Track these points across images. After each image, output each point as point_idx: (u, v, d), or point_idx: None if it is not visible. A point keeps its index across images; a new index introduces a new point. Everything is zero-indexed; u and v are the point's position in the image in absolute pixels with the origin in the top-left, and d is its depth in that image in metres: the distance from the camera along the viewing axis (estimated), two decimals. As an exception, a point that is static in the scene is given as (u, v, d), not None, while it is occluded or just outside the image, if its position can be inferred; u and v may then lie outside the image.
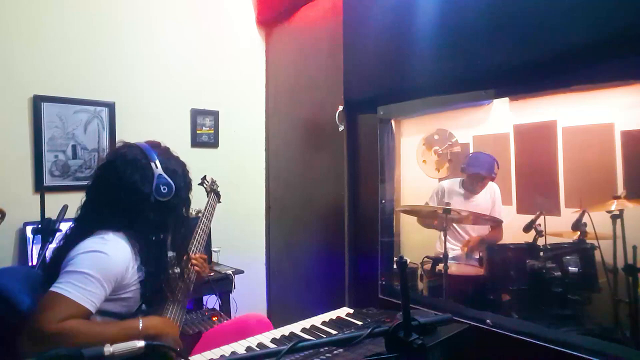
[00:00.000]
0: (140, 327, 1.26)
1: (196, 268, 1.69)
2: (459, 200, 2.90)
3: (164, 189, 1.38)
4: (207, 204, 2.02)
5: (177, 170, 1.47)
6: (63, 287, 1.19)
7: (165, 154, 1.48)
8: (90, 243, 1.28)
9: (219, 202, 2.15)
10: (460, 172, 2.96)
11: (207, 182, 2.21)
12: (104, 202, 1.38)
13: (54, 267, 1.31)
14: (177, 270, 1.57)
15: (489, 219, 2.82)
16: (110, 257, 1.27)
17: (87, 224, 1.36)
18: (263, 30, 3.36)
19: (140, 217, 1.38)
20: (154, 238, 1.43)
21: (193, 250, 1.75)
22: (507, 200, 3.09)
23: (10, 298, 1.31)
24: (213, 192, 2.12)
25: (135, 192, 1.36)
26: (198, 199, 1.94)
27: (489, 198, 2.96)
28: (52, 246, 1.51)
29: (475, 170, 2.85)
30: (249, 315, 1.70)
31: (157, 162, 1.40)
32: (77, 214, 1.44)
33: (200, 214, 1.97)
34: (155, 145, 1.48)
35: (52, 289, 1.19)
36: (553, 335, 1.67)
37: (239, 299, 2.80)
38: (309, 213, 2.95)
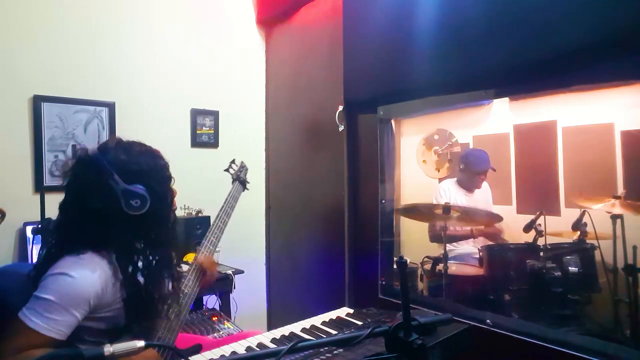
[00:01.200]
0: None
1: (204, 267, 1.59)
2: (461, 199, 2.91)
3: (136, 202, 1.21)
4: (229, 194, 1.83)
5: (143, 168, 1.28)
6: (28, 315, 1.11)
7: (122, 152, 1.28)
8: (64, 263, 1.18)
9: (246, 189, 1.96)
10: (461, 172, 2.97)
11: (235, 166, 2.01)
12: (77, 221, 1.24)
13: (38, 276, 1.21)
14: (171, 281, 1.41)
15: (491, 215, 2.82)
16: (77, 280, 1.15)
17: (67, 238, 1.24)
18: (263, 30, 3.36)
19: (115, 235, 1.24)
20: (137, 251, 1.29)
21: (207, 245, 1.64)
22: (507, 200, 3.09)
23: (7, 301, 1.27)
24: (238, 180, 1.94)
25: (104, 217, 1.22)
26: (224, 188, 1.86)
27: (484, 196, 2.99)
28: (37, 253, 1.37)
29: (484, 166, 2.88)
30: (249, 333, 1.66)
31: (115, 175, 1.21)
32: (55, 223, 1.30)
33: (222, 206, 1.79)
34: (107, 149, 1.28)
35: (19, 314, 1.12)
36: (553, 335, 1.67)
37: (239, 299, 2.80)
38: (309, 213, 2.95)
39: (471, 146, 3.34)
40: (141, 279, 1.28)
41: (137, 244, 1.30)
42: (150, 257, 1.31)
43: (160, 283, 1.34)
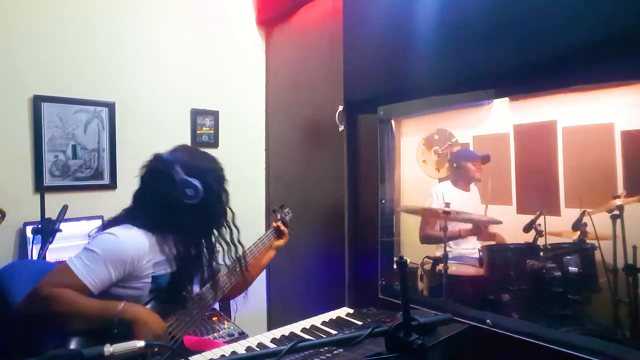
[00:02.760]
0: (118, 309, 1.27)
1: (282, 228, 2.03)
2: (459, 199, 2.92)
3: (190, 191, 1.41)
4: (265, 234, 2.05)
5: (202, 166, 1.50)
6: (74, 260, 1.30)
7: (187, 153, 1.52)
8: (114, 227, 1.39)
9: (283, 237, 2.12)
10: (457, 169, 2.99)
11: (283, 212, 2.21)
12: (143, 204, 1.48)
13: None
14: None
15: (487, 221, 2.84)
16: (121, 241, 1.34)
17: (126, 216, 1.47)
18: (263, 30, 3.36)
19: (171, 220, 1.43)
20: (190, 241, 1.47)
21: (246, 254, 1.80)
22: (507, 200, 3.09)
23: (8, 298, 1.35)
24: (278, 227, 2.11)
25: (162, 200, 1.43)
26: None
27: (477, 198, 3.01)
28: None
29: (475, 154, 2.91)
30: None
31: (177, 166, 1.43)
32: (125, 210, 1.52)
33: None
34: (176, 149, 1.53)
35: (67, 259, 1.31)
36: (553, 335, 1.67)
37: (239, 299, 2.78)
38: (309, 213, 2.95)
39: (471, 146, 3.35)
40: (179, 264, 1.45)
41: (190, 233, 1.47)
42: (196, 247, 1.49)
43: (194, 272, 1.51)
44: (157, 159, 1.50)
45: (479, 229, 2.87)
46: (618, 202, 2.18)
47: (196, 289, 1.58)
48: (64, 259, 1.82)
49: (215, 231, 1.56)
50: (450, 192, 2.96)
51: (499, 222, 2.84)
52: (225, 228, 1.59)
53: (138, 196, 1.51)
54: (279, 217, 2.17)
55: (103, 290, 1.33)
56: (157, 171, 1.47)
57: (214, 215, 1.53)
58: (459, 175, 2.99)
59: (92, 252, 1.31)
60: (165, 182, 1.42)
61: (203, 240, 1.52)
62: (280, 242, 2.09)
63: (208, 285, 1.61)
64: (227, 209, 1.59)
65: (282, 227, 2.10)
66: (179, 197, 1.41)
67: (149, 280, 1.41)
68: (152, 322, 1.31)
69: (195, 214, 1.45)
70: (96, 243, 1.34)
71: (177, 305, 1.48)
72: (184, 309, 1.49)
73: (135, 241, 1.37)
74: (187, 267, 1.47)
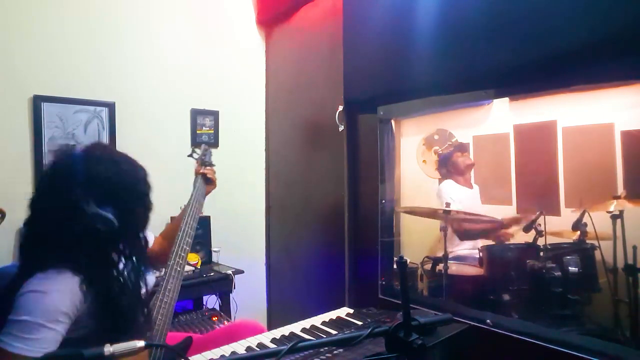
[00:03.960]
0: None
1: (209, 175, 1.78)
2: (465, 195, 2.93)
3: (101, 226, 1.18)
4: (194, 190, 1.79)
5: (118, 187, 1.23)
6: (6, 340, 1.06)
7: (93, 170, 1.21)
8: (32, 280, 1.13)
9: (213, 183, 1.89)
10: (451, 170, 3.01)
11: (197, 152, 1.96)
12: (42, 239, 1.20)
13: (4, 302, 1.14)
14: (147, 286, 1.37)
15: (487, 220, 2.83)
16: (48, 295, 1.11)
17: (31, 256, 1.20)
18: (263, 30, 3.36)
19: (86, 252, 1.19)
20: (108, 267, 1.25)
21: (180, 245, 1.59)
22: (507, 200, 3.09)
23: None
24: (204, 164, 1.90)
25: (71, 236, 1.17)
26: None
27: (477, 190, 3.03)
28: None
29: (451, 150, 2.98)
30: (242, 321, 1.68)
31: (89, 200, 1.16)
32: (19, 247, 1.26)
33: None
34: (75, 159, 1.23)
35: None
36: (553, 335, 1.67)
37: (239, 299, 2.80)
38: (309, 213, 2.95)
39: (471, 146, 3.35)
40: (115, 290, 1.22)
41: (109, 256, 1.25)
42: (123, 268, 1.27)
43: (135, 293, 1.29)
44: (58, 177, 1.21)
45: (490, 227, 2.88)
46: (614, 204, 2.17)
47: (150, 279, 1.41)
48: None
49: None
50: (456, 190, 2.97)
51: (500, 223, 2.84)
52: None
53: (35, 226, 1.23)
54: (198, 161, 1.93)
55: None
56: (54, 209, 1.18)
57: (134, 233, 1.30)
58: (454, 174, 3.02)
59: (23, 322, 1.07)
60: (71, 216, 1.16)
61: (130, 254, 1.29)
62: (211, 188, 1.87)
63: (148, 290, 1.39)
64: (146, 222, 1.34)
65: (207, 171, 1.84)
66: (91, 233, 1.17)
67: (94, 322, 1.19)
68: None
69: (114, 238, 1.23)
70: (22, 309, 1.08)
71: (139, 324, 1.30)
72: (147, 324, 1.33)
73: (64, 287, 1.13)
74: (126, 288, 1.25)
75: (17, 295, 1.12)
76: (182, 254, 1.57)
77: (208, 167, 1.87)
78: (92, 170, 1.21)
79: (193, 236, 1.63)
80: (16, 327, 1.07)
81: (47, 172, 1.28)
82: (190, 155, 1.97)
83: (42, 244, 1.19)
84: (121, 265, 1.27)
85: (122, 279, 1.25)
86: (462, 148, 3.04)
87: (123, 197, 1.23)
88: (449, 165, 3.02)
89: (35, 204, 1.23)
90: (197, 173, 1.86)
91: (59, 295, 1.12)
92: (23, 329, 1.07)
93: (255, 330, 1.57)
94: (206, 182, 1.84)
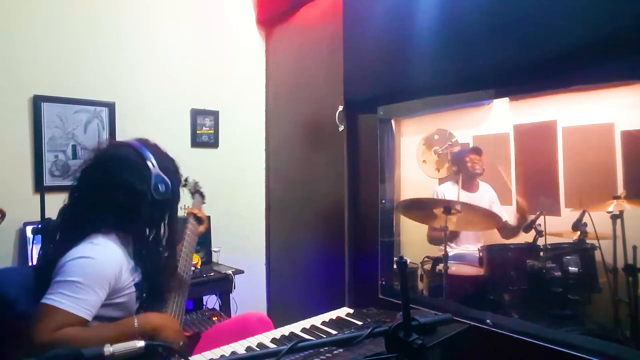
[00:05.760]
0: (135, 325, 1.23)
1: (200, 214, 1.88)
2: (463, 198, 2.91)
3: (162, 187, 1.37)
4: (186, 237, 1.85)
5: (170, 166, 1.46)
6: (54, 298, 1.15)
7: (157, 151, 1.46)
8: (79, 249, 1.24)
9: (204, 202, 2.09)
10: (457, 170, 2.98)
11: (190, 183, 2.10)
12: (93, 204, 1.32)
13: (42, 275, 1.26)
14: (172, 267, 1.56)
15: (490, 215, 2.82)
16: (98, 261, 1.23)
17: (75, 229, 1.30)
18: (263, 30, 3.36)
19: (136, 217, 1.35)
20: (150, 237, 1.43)
21: (185, 251, 1.72)
22: (507, 200, 3.09)
23: (6, 299, 1.32)
24: (197, 192, 2.07)
25: (132, 193, 1.33)
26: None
27: (487, 198, 2.98)
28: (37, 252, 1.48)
29: (467, 148, 2.91)
30: (250, 313, 1.70)
31: (153, 160, 1.38)
32: (61, 217, 1.36)
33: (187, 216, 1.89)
34: (147, 143, 1.46)
35: (43, 300, 1.15)
36: (553, 335, 1.67)
37: (239, 299, 2.80)
38: (309, 213, 2.95)
39: (471, 146, 3.35)
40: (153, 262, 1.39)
41: (152, 229, 1.43)
42: (159, 243, 1.45)
43: (167, 269, 1.48)
44: (125, 146, 1.41)
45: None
46: (614, 204, 2.17)
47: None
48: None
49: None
50: (452, 192, 2.96)
51: (500, 220, 2.83)
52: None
53: (90, 193, 1.35)
54: (190, 189, 2.06)
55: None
56: (127, 161, 1.36)
57: (172, 210, 1.48)
58: (461, 174, 2.99)
59: (74, 283, 1.17)
60: (138, 174, 1.34)
61: (161, 231, 1.47)
62: (202, 228, 1.94)
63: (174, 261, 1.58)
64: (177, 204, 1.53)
65: (197, 211, 1.93)
66: (149, 191, 1.34)
67: (133, 289, 1.33)
68: (171, 324, 1.31)
69: (158, 210, 1.40)
70: (74, 272, 1.19)
71: (165, 297, 1.47)
72: (171, 296, 1.49)
73: (112, 256, 1.28)
74: (158, 263, 1.42)
75: (64, 261, 1.21)
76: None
77: (196, 206, 2.00)
78: (154, 148, 1.46)
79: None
80: (67, 288, 1.17)
81: (118, 142, 1.48)
82: (184, 186, 1.97)
83: (87, 210, 1.31)
84: (164, 242, 1.46)
85: (164, 252, 1.44)
86: (478, 151, 2.96)
87: (173, 173, 1.45)
88: (458, 163, 2.98)
89: (90, 172, 1.37)
90: (188, 213, 1.93)
91: (107, 263, 1.25)
92: (74, 290, 1.17)
93: (262, 322, 1.61)
94: (197, 222, 1.93)
